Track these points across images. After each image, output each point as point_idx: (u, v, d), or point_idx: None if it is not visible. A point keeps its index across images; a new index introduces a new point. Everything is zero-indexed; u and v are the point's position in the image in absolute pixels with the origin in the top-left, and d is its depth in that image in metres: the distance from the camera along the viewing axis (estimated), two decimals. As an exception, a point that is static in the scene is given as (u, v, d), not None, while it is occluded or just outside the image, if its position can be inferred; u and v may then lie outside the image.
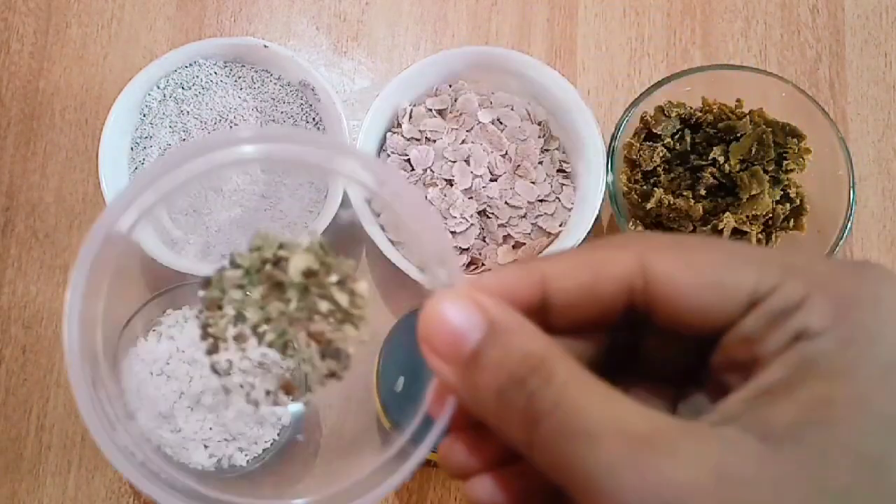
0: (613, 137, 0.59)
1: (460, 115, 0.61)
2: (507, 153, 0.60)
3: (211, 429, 0.53)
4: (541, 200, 0.60)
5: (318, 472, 0.59)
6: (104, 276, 0.25)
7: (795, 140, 0.59)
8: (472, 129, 0.61)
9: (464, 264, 0.59)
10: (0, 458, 0.58)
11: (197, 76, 0.61)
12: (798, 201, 0.59)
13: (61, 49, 0.66)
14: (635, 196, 0.59)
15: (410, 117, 0.61)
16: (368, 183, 0.27)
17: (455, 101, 0.62)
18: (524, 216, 0.60)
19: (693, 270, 0.24)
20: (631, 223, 0.59)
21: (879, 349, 0.22)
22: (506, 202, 0.60)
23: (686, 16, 0.68)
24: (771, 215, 0.58)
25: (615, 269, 0.25)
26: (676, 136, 0.60)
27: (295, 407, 0.28)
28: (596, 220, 0.58)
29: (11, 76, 0.65)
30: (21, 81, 0.65)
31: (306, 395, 0.27)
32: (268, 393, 0.28)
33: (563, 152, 0.62)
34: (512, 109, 0.62)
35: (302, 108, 0.62)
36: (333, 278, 0.27)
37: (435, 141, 0.60)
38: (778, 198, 0.58)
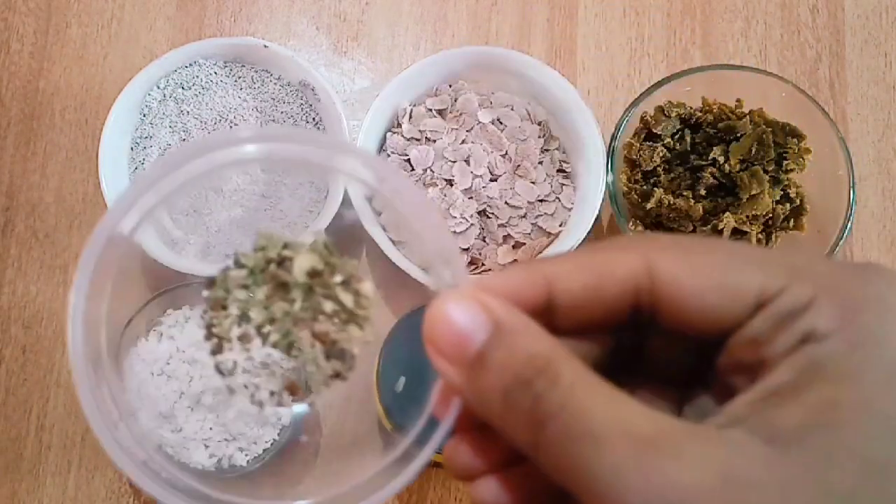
0: (613, 137, 0.59)
1: (460, 115, 0.61)
2: (507, 153, 0.60)
3: (211, 429, 0.53)
4: (541, 200, 0.60)
5: (318, 473, 0.59)
6: (107, 277, 0.25)
7: (795, 140, 0.59)
8: (472, 129, 0.61)
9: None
10: (0, 458, 0.58)
11: (197, 76, 0.61)
12: (798, 201, 0.59)
13: (61, 49, 0.66)
14: (635, 196, 0.59)
15: (410, 117, 0.61)
16: (369, 181, 0.27)
17: (455, 101, 0.62)
18: (524, 216, 0.60)
19: (699, 272, 0.24)
20: (631, 223, 0.59)
21: (885, 352, 0.22)
22: (506, 202, 0.60)
23: (686, 16, 0.68)
24: (771, 215, 0.58)
25: (620, 271, 0.25)
26: (676, 136, 0.60)
27: (299, 408, 0.28)
28: (596, 220, 0.58)
29: (11, 76, 0.65)
30: (21, 81, 0.65)
31: (311, 396, 0.27)
32: (272, 394, 0.28)
33: (563, 152, 0.62)
34: (512, 109, 0.62)
35: (302, 108, 0.62)
36: (338, 278, 0.27)
37: (435, 141, 0.61)
38: (778, 198, 0.58)
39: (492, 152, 0.60)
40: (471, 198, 0.59)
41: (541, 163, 0.61)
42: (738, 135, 0.59)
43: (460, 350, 0.24)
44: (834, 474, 0.21)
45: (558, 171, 0.62)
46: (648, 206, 0.58)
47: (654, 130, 0.60)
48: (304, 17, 0.68)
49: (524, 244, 0.60)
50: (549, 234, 0.60)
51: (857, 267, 0.24)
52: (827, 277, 0.23)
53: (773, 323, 0.23)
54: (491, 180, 0.60)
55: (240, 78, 0.62)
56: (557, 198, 0.61)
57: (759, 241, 0.59)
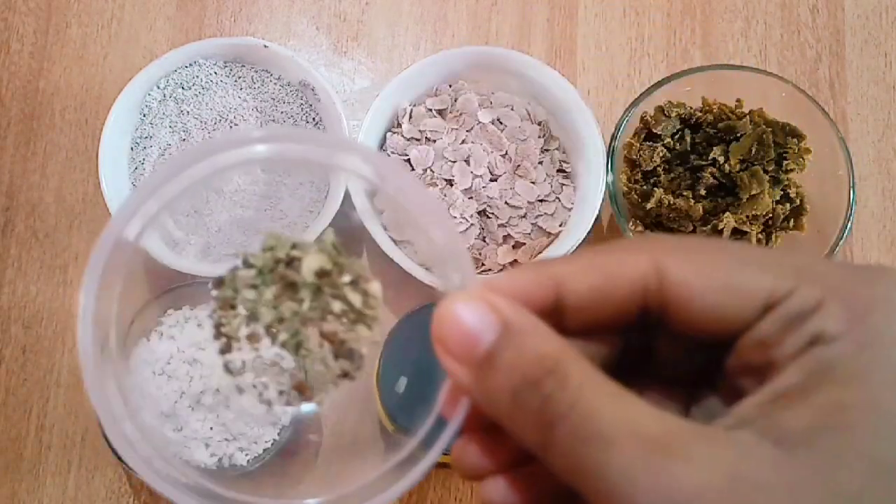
0: (613, 137, 0.59)
1: (460, 115, 0.61)
2: (507, 153, 0.60)
3: (212, 428, 0.53)
4: (541, 200, 0.61)
5: (318, 473, 0.59)
6: (116, 279, 0.25)
7: (795, 140, 0.59)
8: (472, 129, 0.61)
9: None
10: (0, 458, 0.58)
11: (197, 76, 0.61)
12: (798, 201, 0.59)
13: (61, 49, 0.66)
14: (635, 196, 0.59)
15: (410, 117, 0.61)
16: (375, 179, 0.27)
17: (455, 101, 0.62)
18: (524, 216, 0.60)
19: (708, 274, 0.24)
20: (631, 223, 0.59)
21: (893, 353, 0.22)
22: (506, 202, 0.60)
23: (686, 16, 0.68)
24: (771, 215, 0.58)
25: (629, 272, 0.25)
26: (676, 136, 0.60)
27: (308, 407, 0.28)
28: (596, 220, 0.58)
29: (11, 76, 0.65)
30: (21, 81, 0.65)
31: (319, 396, 0.27)
32: (281, 393, 0.28)
33: (563, 152, 0.62)
34: (512, 109, 0.62)
35: (302, 108, 0.62)
36: (346, 278, 0.27)
37: (435, 141, 0.61)
38: (778, 198, 0.58)
39: (492, 152, 0.60)
40: (471, 198, 0.59)
41: (541, 163, 0.61)
42: (738, 135, 0.59)
43: (469, 350, 0.24)
44: (842, 476, 0.21)
45: (558, 171, 0.62)
46: (648, 206, 0.58)
47: (654, 130, 0.60)
48: (304, 17, 0.68)
49: (524, 244, 0.60)
50: (549, 234, 0.60)
51: (865, 269, 0.24)
52: (835, 280, 0.23)
53: (782, 325, 0.23)
54: (491, 180, 0.60)
55: (240, 78, 0.62)
56: (557, 198, 0.61)
57: (759, 241, 0.59)
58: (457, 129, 0.61)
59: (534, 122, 0.62)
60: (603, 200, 0.58)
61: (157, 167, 0.60)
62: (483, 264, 0.60)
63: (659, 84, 0.60)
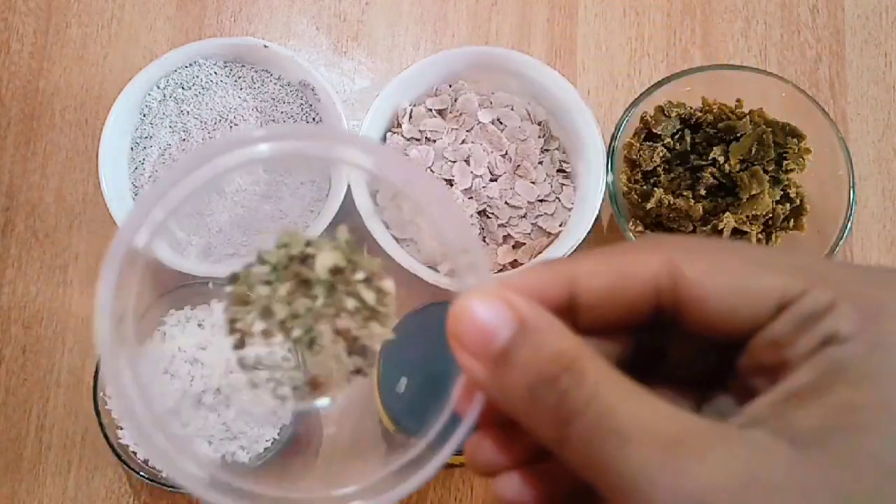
0: (613, 137, 0.59)
1: (460, 115, 0.61)
2: (507, 153, 0.60)
3: (213, 426, 0.53)
4: (541, 200, 0.61)
5: (319, 473, 0.59)
6: (130, 287, 0.25)
7: (795, 140, 0.59)
8: (472, 129, 0.61)
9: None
10: (0, 458, 0.58)
11: (197, 76, 0.61)
12: (798, 201, 0.59)
13: (61, 49, 0.66)
14: (635, 196, 0.59)
15: (410, 117, 0.61)
16: (376, 170, 0.27)
17: (455, 101, 0.62)
18: (524, 216, 0.60)
19: (722, 274, 0.24)
20: (631, 223, 0.59)
21: None
22: (506, 202, 0.60)
23: (686, 16, 0.68)
24: (771, 215, 0.58)
25: (643, 271, 0.25)
26: (676, 136, 0.60)
27: (321, 402, 0.28)
28: (596, 220, 0.58)
29: (11, 76, 0.65)
30: (21, 81, 0.65)
31: (332, 392, 0.28)
32: (295, 388, 0.28)
33: (563, 152, 0.62)
34: (512, 109, 0.62)
35: (302, 108, 0.62)
36: (360, 276, 0.27)
37: (435, 141, 0.61)
38: (778, 198, 0.59)
39: (492, 152, 0.60)
40: (471, 198, 0.59)
41: (541, 163, 0.61)
42: (738, 135, 0.59)
43: (485, 346, 0.24)
44: (852, 477, 0.21)
45: (558, 171, 0.62)
46: (648, 206, 0.58)
47: (654, 130, 0.60)
48: (304, 17, 0.68)
49: (524, 244, 0.60)
50: (549, 234, 0.60)
51: (877, 271, 0.25)
52: (847, 282, 0.24)
53: (795, 325, 0.23)
54: (491, 180, 0.60)
55: (240, 78, 0.62)
56: (557, 198, 0.61)
57: (759, 241, 0.59)
58: (457, 129, 0.61)
59: (534, 122, 0.62)
60: (603, 200, 0.58)
61: (157, 168, 0.60)
62: (483, 264, 0.60)
63: (659, 84, 0.60)
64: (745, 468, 0.21)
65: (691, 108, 0.60)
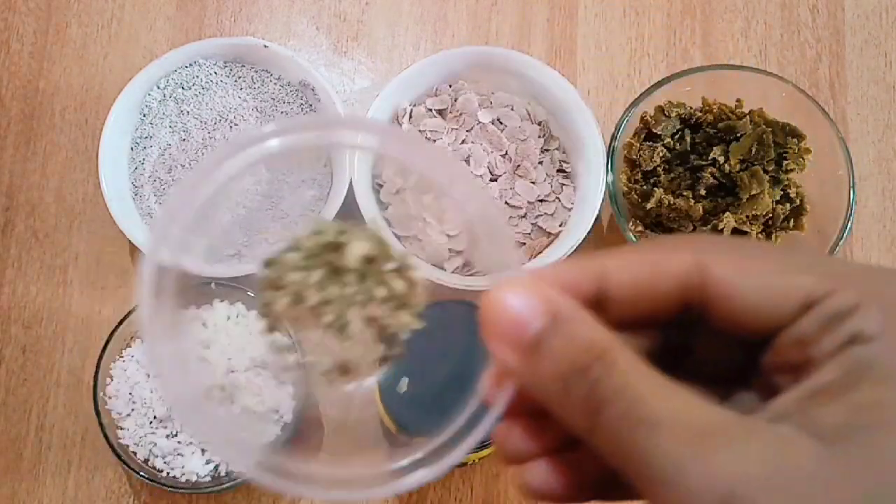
0: (613, 137, 0.59)
1: (460, 115, 0.61)
2: (507, 153, 0.60)
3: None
4: (541, 200, 0.61)
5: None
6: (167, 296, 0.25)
7: (795, 140, 0.59)
8: (472, 129, 0.61)
9: (463, 265, 0.59)
10: (0, 458, 0.58)
11: (197, 76, 0.61)
12: (798, 201, 0.59)
13: (61, 49, 0.66)
14: (635, 196, 0.59)
15: (410, 117, 0.61)
16: (393, 152, 0.28)
17: (455, 101, 0.62)
18: (524, 216, 0.60)
19: (750, 273, 0.25)
20: (631, 223, 0.59)
21: None
22: (506, 202, 0.60)
23: (686, 16, 0.68)
24: (771, 215, 0.58)
25: (673, 267, 0.25)
26: (676, 136, 0.60)
27: (351, 386, 0.28)
28: (596, 220, 0.58)
29: (11, 76, 0.65)
30: (21, 81, 0.65)
31: (361, 377, 0.28)
32: (324, 373, 0.28)
33: (563, 152, 0.62)
34: (512, 109, 0.62)
35: (302, 108, 0.62)
36: (391, 265, 0.27)
37: (435, 141, 0.61)
38: (778, 198, 0.59)
39: (492, 152, 0.60)
40: (471, 198, 0.59)
41: (541, 163, 0.61)
42: (738, 135, 0.59)
43: (518, 335, 0.25)
44: (878, 473, 0.22)
45: (558, 171, 0.62)
46: (648, 206, 0.58)
47: (654, 130, 0.60)
48: (304, 17, 0.68)
49: (524, 244, 0.60)
50: (549, 234, 0.60)
51: None
52: (872, 283, 0.24)
53: (821, 324, 0.24)
54: (491, 180, 0.60)
55: (240, 78, 0.62)
56: (557, 198, 0.61)
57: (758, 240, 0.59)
58: (457, 129, 0.61)
59: (534, 122, 0.62)
60: (603, 200, 0.58)
61: (157, 168, 0.60)
62: (483, 264, 0.60)
63: (659, 84, 0.60)
64: (774, 459, 0.22)
65: (691, 108, 0.60)
